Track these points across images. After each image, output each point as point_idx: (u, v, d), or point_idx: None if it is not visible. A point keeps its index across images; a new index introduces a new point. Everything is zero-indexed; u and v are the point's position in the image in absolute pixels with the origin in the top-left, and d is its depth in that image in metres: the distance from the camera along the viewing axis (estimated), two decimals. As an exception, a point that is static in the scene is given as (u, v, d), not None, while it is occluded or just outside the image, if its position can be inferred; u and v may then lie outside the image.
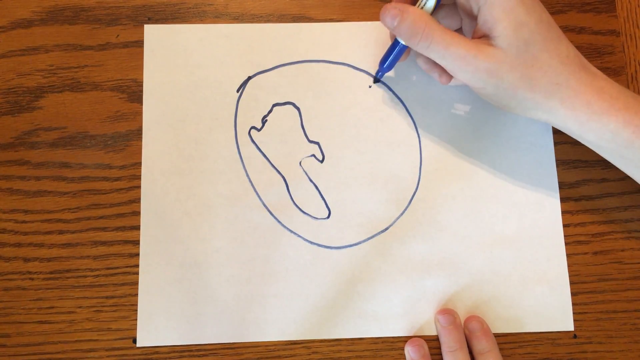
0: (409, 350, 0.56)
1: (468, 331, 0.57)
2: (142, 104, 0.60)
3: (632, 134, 0.49)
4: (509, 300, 0.58)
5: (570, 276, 0.58)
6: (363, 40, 0.62)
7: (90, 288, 0.58)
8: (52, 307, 0.57)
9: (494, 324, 0.57)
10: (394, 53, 0.57)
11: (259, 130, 0.60)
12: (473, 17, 0.53)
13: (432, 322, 0.58)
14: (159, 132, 0.60)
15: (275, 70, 0.61)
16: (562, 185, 0.60)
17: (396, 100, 0.61)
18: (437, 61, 0.52)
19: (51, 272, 0.58)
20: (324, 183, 0.59)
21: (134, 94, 0.61)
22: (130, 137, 0.60)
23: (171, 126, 0.60)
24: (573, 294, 0.58)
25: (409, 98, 0.61)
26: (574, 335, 0.58)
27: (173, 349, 0.57)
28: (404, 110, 0.61)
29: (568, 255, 0.59)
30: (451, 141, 0.61)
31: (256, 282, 0.58)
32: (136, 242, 0.58)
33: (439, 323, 0.57)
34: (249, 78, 0.61)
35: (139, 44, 0.61)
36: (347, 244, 0.58)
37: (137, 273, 0.57)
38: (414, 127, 0.60)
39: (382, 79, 0.61)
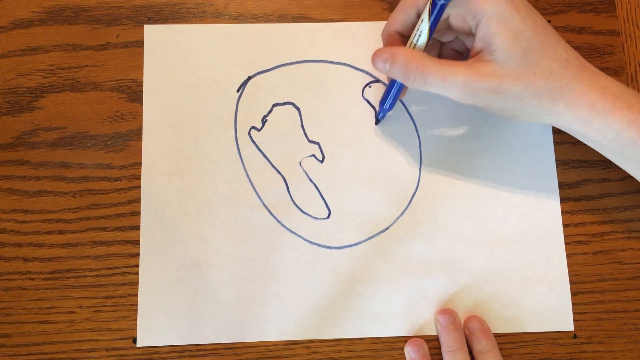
0: (408, 350, 0.56)
1: (468, 331, 0.57)
2: (142, 104, 0.60)
3: (635, 134, 0.50)
4: (509, 300, 0.58)
5: (570, 276, 0.58)
6: (363, 40, 0.62)
7: (90, 288, 0.58)
8: (52, 307, 0.57)
9: (494, 324, 0.57)
10: (393, 93, 0.57)
11: (259, 130, 0.60)
12: (470, 35, 0.53)
13: (432, 322, 0.58)
14: (159, 132, 0.60)
15: (275, 70, 0.61)
16: (562, 185, 0.60)
17: (396, 100, 0.61)
18: (440, 93, 0.52)
19: (51, 272, 0.58)
20: (324, 183, 0.59)
21: (134, 94, 0.61)
22: (130, 137, 0.60)
23: (171, 126, 0.60)
24: (573, 294, 0.58)
25: (409, 98, 0.61)
26: (574, 335, 0.58)
27: (173, 349, 0.57)
28: (404, 110, 0.61)
29: (568, 255, 0.59)
30: (451, 141, 0.61)
31: (256, 282, 0.58)
32: (136, 242, 0.58)
33: (439, 323, 0.57)
34: (249, 78, 0.61)
35: (139, 44, 0.61)
36: (347, 244, 0.58)
37: (137, 273, 0.57)
38: (414, 127, 0.61)
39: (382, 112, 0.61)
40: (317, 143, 0.60)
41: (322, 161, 0.60)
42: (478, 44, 0.51)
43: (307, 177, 0.60)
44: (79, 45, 0.61)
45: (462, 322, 0.57)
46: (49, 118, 0.60)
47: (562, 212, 0.60)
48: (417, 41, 0.53)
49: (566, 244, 0.59)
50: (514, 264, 0.59)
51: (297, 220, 0.59)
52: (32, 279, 0.58)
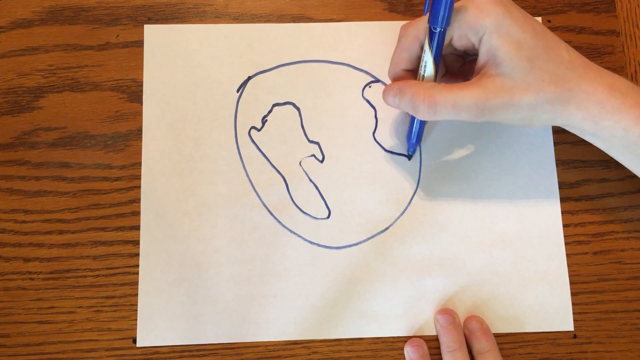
0: (408, 351, 0.57)
1: (468, 331, 0.57)
2: (142, 104, 0.60)
3: None
4: (509, 300, 0.58)
5: (570, 276, 0.58)
6: (363, 40, 0.62)
7: (90, 288, 0.58)
8: (52, 307, 0.57)
9: (494, 324, 0.57)
10: (417, 126, 0.57)
11: (259, 130, 0.60)
12: (474, 51, 0.53)
13: (432, 322, 0.58)
14: (159, 132, 0.60)
15: (275, 70, 0.61)
16: (562, 185, 0.60)
17: (396, 100, 0.61)
18: (453, 119, 0.53)
19: (51, 272, 0.58)
20: (324, 183, 0.59)
21: (134, 94, 0.61)
22: (130, 137, 0.60)
23: (171, 126, 0.60)
24: (573, 294, 0.58)
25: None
26: (574, 335, 0.58)
27: (173, 349, 0.57)
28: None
29: (568, 255, 0.59)
30: (451, 141, 0.61)
31: (256, 282, 0.58)
32: (136, 242, 0.58)
33: (439, 323, 0.57)
34: (249, 78, 0.61)
35: (139, 44, 0.61)
36: (347, 244, 0.58)
37: (137, 273, 0.57)
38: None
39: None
40: (317, 143, 0.60)
41: (322, 161, 0.60)
42: (482, 59, 0.51)
43: (307, 177, 0.60)
44: (79, 45, 0.61)
45: (462, 322, 0.57)
46: (49, 118, 0.60)
47: (562, 212, 0.60)
48: (424, 72, 0.53)
49: (566, 244, 0.59)
50: (514, 264, 0.58)
51: (297, 220, 0.59)
52: (32, 279, 0.58)
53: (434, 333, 0.57)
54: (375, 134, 0.60)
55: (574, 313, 0.58)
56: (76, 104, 0.60)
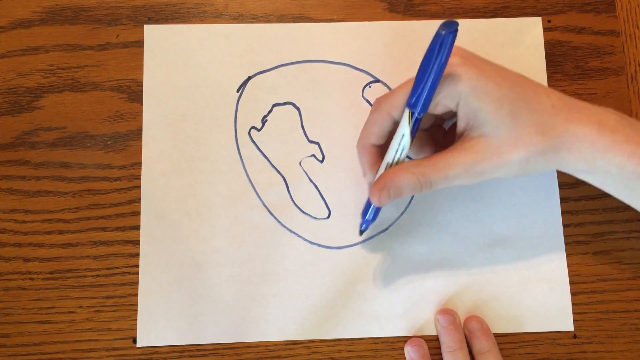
0: (408, 350, 0.57)
1: (468, 331, 0.57)
2: (142, 104, 0.60)
3: (637, 166, 0.49)
4: (509, 300, 0.58)
5: (570, 276, 0.58)
6: (363, 40, 0.62)
7: (90, 288, 0.58)
8: (52, 307, 0.57)
9: (494, 324, 0.57)
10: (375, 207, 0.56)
11: (259, 130, 0.60)
12: (452, 116, 0.53)
13: (432, 322, 0.58)
14: (159, 132, 0.60)
15: (275, 70, 0.61)
16: (562, 185, 0.60)
17: (396, 100, 0.61)
18: (448, 186, 0.52)
19: (51, 272, 0.58)
20: (324, 183, 0.59)
21: (134, 94, 0.61)
22: (130, 137, 0.60)
23: (171, 126, 0.60)
24: (573, 294, 0.58)
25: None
26: (574, 335, 0.58)
27: (173, 349, 0.57)
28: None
29: (568, 255, 0.59)
30: (451, 141, 0.61)
31: (256, 282, 0.58)
32: (136, 242, 0.58)
33: (439, 323, 0.57)
34: (249, 78, 0.61)
35: (139, 44, 0.61)
36: (347, 244, 0.59)
37: (137, 273, 0.57)
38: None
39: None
40: (317, 143, 0.60)
41: (322, 161, 0.60)
42: (462, 122, 0.50)
43: (307, 177, 0.60)
44: (79, 45, 0.61)
45: (462, 322, 0.57)
46: (49, 118, 0.60)
47: (562, 212, 0.60)
48: (400, 156, 0.51)
49: (566, 244, 0.59)
50: (514, 264, 0.59)
51: (297, 220, 0.59)
52: (32, 279, 0.58)
53: (434, 333, 0.57)
54: (375, 134, 0.61)
55: (574, 313, 0.58)
56: (76, 104, 0.60)
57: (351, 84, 0.61)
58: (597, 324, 0.58)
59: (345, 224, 0.59)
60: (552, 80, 0.62)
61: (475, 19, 0.63)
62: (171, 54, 0.61)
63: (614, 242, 0.59)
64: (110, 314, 0.57)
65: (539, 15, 0.63)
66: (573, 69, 0.62)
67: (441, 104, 0.50)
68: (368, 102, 0.61)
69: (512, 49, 0.62)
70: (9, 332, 0.57)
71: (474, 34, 0.62)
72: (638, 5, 0.63)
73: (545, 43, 0.62)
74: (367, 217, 0.56)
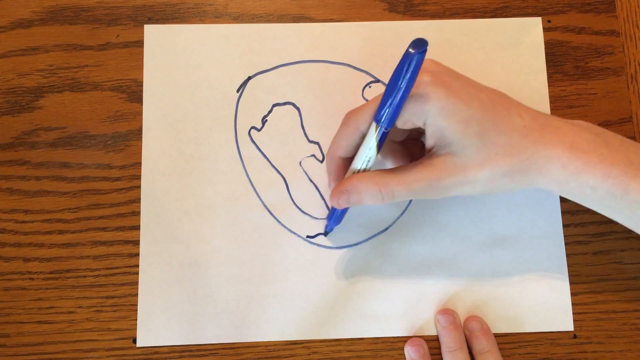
0: (408, 350, 0.57)
1: (468, 331, 0.57)
2: (142, 104, 0.60)
3: (611, 187, 0.48)
4: (509, 300, 0.58)
5: (570, 276, 0.58)
6: (363, 40, 0.62)
7: (90, 288, 0.58)
8: (52, 307, 0.57)
9: (494, 324, 0.57)
10: (340, 211, 0.56)
11: (259, 130, 0.60)
12: (422, 132, 0.52)
13: (432, 322, 0.58)
14: (159, 132, 0.60)
15: (275, 70, 0.61)
16: (562, 185, 0.60)
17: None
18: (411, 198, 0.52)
19: (51, 272, 0.58)
20: (324, 183, 0.59)
21: (134, 94, 0.61)
22: (130, 137, 0.60)
23: (171, 126, 0.60)
24: (573, 294, 0.58)
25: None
26: (573, 335, 0.58)
27: (173, 349, 0.57)
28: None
29: (568, 255, 0.59)
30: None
31: (256, 282, 0.58)
32: (136, 242, 0.58)
33: (439, 323, 0.57)
34: (249, 78, 0.61)
35: (139, 44, 0.61)
36: (347, 244, 0.59)
37: (137, 273, 0.57)
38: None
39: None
40: (317, 143, 0.60)
41: (322, 161, 0.60)
42: (430, 139, 0.50)
43: (307, 177, 0.60)
44: (79, 45, 0.61)
45: (462, 322, 0.57)
46: (49, 118, 0.60)
47: (562, 212, 0.60)
48: (366, 166, 0.52)
49: (566, 244, 0.59)
50: (514, 264, 0.58)
51: (296, 220, 0.59)
52: (32, 279, 0.58)
53: (434, 333, 0.57)
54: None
55: (574, 313, 0.58)
56: (76, 104, 0.60)
57: (351, 84, 0.61)
58: (597, 324, 0.58)
59: (345, 224, 0.59)
60: (552, 80, 0.62)
61: (475, 19, 0.63)
62: (171, 54, 0.61)
63: (614, 242, 0.59)
64: (110, 314, 0.57)
65: (539, 15, 0.63)
66: (573, 69, 0.62)
67: (409, 121, 0.49)
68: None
69: (512, 49, 0.62)
70: (9, 332, 0.57)
71: (474, 34, 0.62)
72: (638, 6, 0.63)
73: (545, 43, 0.62)
74: (332, 222, 0.57)
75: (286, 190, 0.59)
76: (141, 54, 0.61)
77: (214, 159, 0.60)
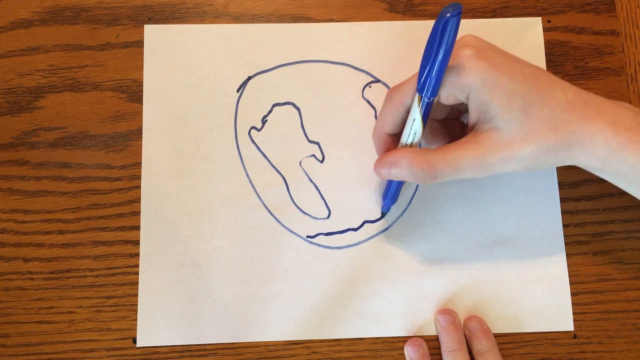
0: (408, 350, 0.57)
1: (468, 331, 0.57)
2: (142, 104, 0.60)
3: None
4: (509, 300, 0.58)
5: (570, 276, 0.58)
6: (363, 40, 0.62)
7: (90, 288, 0.58)
8: (52, 307, 0.57)
9: (494, 324, 0.57)
10: (394, 187, 0.56)
11: (259, 130, 0.60)
12: (464, 107, 0.52)
13: (432, 322, 0.58)
14: (159, 132, 0.60)
15: (275, 70, 0.61)
16: (562, 185, 0.60)
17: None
18: (454, 179, 0.51)
19: (51, 272, 0.58)
20: (324, 183, 0.60)
21: (134, 94, 0.61)
22: (130, 137, 0.60)
23: (171, 126, 0.60)
24: (573, 294, 0.58)
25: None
26: (574, 335, 0.58)
27: (173, 349, 0.57)
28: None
29: (568, 255, 0.59)
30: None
31: (256, 282, 0.58)
32: (136, 242, 0.58)
33: (439, 323, 0.57)
34: (249, 78, 0.61)
35: (139, 44, 0.61)
36: (347, 244, 0.59)
37: (137, 273, 0.57)
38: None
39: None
40: (317, 143, 0.60)
41: (322, 161, 0.60)
42: (473, 115, 0.50)
43: (307, 177, 0.60)
44: (79, 45, 0.61)
45: (462, 322, 0.57)
46: (49, 118, 0.60)
47: (562, 212, 0.60)
48: (413, 140, 0.51)
49: (566, 244, 0.59)
50: (514, 264, 0.58)
51: (297, 220, 0.59)
52: (32, 279, 0.58)
53: (434, 333, 0.57)
54: (376, 134, 0.61)
55: (573, 313, 0.58)
56: (76, 104, 0.60)
57: (351, 84, 0.61)
58: (597, 324, 0.58)
59: (345, 224, 0.59)
60: (552, 80, 0.62)
61: (475, 19, 0.63)
62: (171, 54, 0.61)
63: (614, 242, 0.59)
64: (110, 314, 0.57)
65: (539, 15, 0.63)
66: (573, 69, 0.62)
67: (452, 95, 0.49)
68: (368, 102, 0.61)
69: (512, 49, 0.62)
70: (9, 332, 0.57)
71: (474, 34, 0.62)
72: (638, 5, 0.63)
73: (545, 43, 0.62)
74: (387, 200, 0.57)
75: (286, 190, 0.59)
76: (141, 54, 0.61)
77: (214, 159, 0.60)
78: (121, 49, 0.61)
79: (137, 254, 0.58)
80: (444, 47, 0.45)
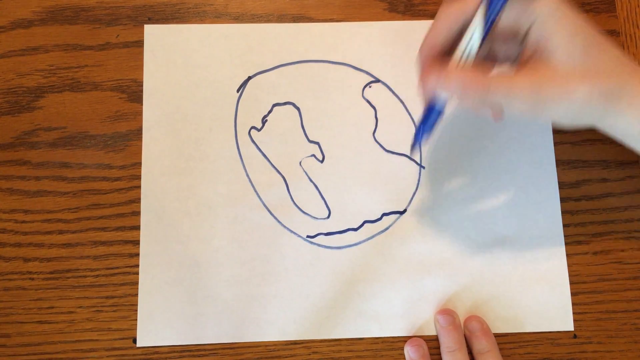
0: (408, 350, 0.57)
1: (468, 331, 0.57)
2: (142, 104, 0.60)
3: None
4: (509, 300, 0.58)
5: (570, 276, 0.58)
6: (363, 40, 0.62)
7: (90, 288, 0.58)
8: (52, 307, 0.57)
9: (494, 324, 0.57)
10: (436, 114, 0.52)
11: (259, 130, 0.60)
12: (513, 39, 0.50)
13: (432, 322, 0.58)
14: (159, 132, 0.60)
15: (275, 70, 0.61)
16: (562, 185, 0.60)
17: (396, 99, 0.61)
18: (502, 108, 0.49)
19: (51, 272, 0.58)
20: (324, 183, 0.60)
21: (134, 94, 0.61)
22: (130, 137, 0.60)
23: (171, 126, 0.60)
24: (573, 294, 0.58)
25: (409, 98, 0.61)
26: (574, 335, 0.58)
27: (173, 349, 0.57)
28: (404, 110, 0.61)
29: (568, 255, 0.59)
30: (451, 141, 0.61)
31: (256, 282, 0.58)
32: (136, 242, 0.58)
33: (439, 323, 0.57)
34: (249, 78, 0.61)
35: (139, 44, 0.61)
36: (347, 244, 0.59)
37: (137, 273, 0.57)
38: (414, 126, 0.61)
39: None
40: (317, 143, 0.60)
41: (322, 161, 0.60)
42: (531, 46, 0.49)
43: (307, 177, 0.60)
44: (79, 45, 0.61)
45: (462, 322, 0.57)
46: (49, 118, 0.60)
47: (562, 212, 0.60)
48: (468, 56, 0.49)
49: (566, 244, 0.59)
50: (514, 264, 0.58)
51: (297, 220, 0.59)
52: (32, 279, 0.58)
53: (434, 333, 0.57)
54: (376, 134, 0.60)
55: (574, 313, 0.58)
56: (76, 104, 0.60)
57: (351, 84, 0.61)
58: (597, 324, 0.58)
59: (345, 223, 0.59)
60: (552, 80, 0.62)
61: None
62: (171, 54, 0.61)
63: (614, 242, 0.59)
64: (110, 314, 0.57)
65: (539, 15, 0.63)
66: (573, 69, 0.62)
67: (516, 21, 0.48)
68: (368, 102, 0.61)
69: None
70: (9, 332, 0.57)
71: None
72: (638, 5, 0.63)
73: (545, 43, 0.62)
74: (420, 134, 0.53)
75: (286, 190, 0.59)
76: (141, 54, 0.61)
77: (214, 159, 0.60)
78: (121, 49, 0.61)
79: (137, 254, 0.58)
80: None
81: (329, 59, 0.62)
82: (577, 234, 0.59)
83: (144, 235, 0.58)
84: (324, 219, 0.59)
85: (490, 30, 0.49)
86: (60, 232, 0.58)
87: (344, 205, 0.59)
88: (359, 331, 0.57)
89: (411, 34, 0.62)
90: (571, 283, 0.58)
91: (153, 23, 0.62)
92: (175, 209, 0.59)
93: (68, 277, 0.58)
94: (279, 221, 0.59)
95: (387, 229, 0.59)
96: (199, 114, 0.60)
